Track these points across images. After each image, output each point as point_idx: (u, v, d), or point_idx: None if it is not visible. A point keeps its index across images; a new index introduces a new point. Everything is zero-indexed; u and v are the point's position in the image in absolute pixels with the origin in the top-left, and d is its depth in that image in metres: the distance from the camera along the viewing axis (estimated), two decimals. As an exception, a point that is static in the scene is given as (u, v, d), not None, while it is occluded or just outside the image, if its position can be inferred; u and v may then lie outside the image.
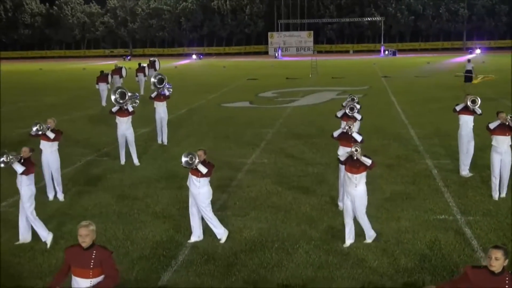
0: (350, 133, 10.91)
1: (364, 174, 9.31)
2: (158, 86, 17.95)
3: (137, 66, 34.85)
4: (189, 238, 10.04)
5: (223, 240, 9.83)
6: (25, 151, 10.11)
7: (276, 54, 78.97)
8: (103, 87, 28.69)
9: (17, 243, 10.04)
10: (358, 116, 12.93)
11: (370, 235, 9.64)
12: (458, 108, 13.49)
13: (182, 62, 71.86)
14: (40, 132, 12.20)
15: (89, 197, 12.75)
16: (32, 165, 10.08)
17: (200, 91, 33.78)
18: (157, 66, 36.50)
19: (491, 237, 9.68)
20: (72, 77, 49.77)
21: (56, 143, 12.50)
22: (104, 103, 28.11)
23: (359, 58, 71.83)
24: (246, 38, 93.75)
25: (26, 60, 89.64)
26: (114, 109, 15.45)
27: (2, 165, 9.79)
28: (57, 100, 31.95)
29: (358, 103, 13.94)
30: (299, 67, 54.93)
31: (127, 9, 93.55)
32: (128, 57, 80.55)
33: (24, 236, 10.12)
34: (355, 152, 9.09)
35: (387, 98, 29.09)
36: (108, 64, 51.19)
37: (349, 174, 9.32)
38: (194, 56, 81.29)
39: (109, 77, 29.37)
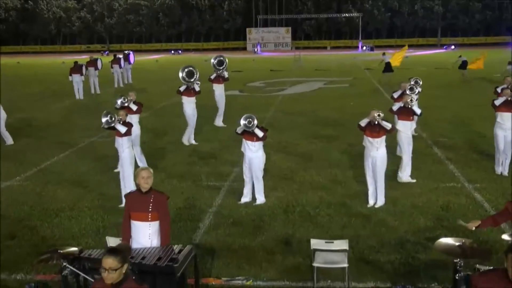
0: (411, 106, 11.30)
1: (384, 137, 9.81)
2: (218, 67, 17.74)
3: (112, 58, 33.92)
4: (210, 206, 10.37)
5: (258, 203, 10.37)
6: (122, 114, 10.53)
7: (255, 50, 79.18)
8: (77, 79, 27.12)
9: (121, 205, 10.10)
10: (415, 97, 13.15)
11: (382, 199, 10.10)
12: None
13: (162, 56, 71.61)
14: (126, 104, 12.65)
15: (101, 170, 13.01)
16: (131, 126, 10.52)
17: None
18: (131, 59, 35.35)
19: (501, 201, 10.14)
20: (53, 70, 49.30)
21: (137, 116, 12.99)
22: (78, 96, 26.85)
23: (337, 53, 72.53)
24: (225, 34, 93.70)
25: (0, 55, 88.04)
26: (182, 88, 15.59)
27: (106, 125, 10.22)
28: (45, 89, 31.82)
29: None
30: (281, 61, 55.25)
31: (104, 4, 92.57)
32: (106, 53, 79.75)
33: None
34: (377, 117, 9.56)
35: (373, 87, 29.69)
36: (85, 59, 50.91)
37: (370, 138, 9.81)
38: (172, 52, 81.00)
39: (84, 68, 28.11)
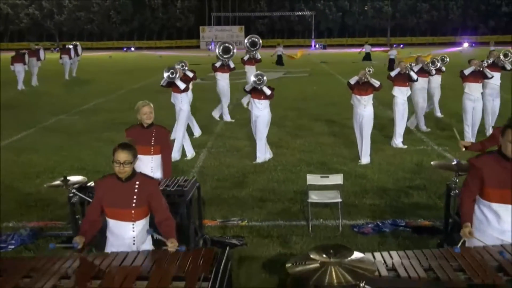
0: (407, 71, 11.64)
1: (371, 96, 10.23)
2: (252, 48, 17.55)
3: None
4: (192, 167, 10.50)
5: (256, 161, 10.71)
6: (180, 71, 11.05)
7: (210, 47, 79.16)
8: (19, 68, 25.08)
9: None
10: (433, 72, 13.65)
11: (366, 158, 10.51)
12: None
13: (115, 52, 70.71)
14: (185, 67, 12.87)
15: (75, 142, 13.00)
16: (189, 83, 11.24)
17: (146, 73, 33.63)
18: (79, 51, 33.69)
19: (470, 158, 10.68)
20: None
21: (191, 83, 13.10)
22: (20, 87, 25.07)
23: (291, 51, 73.36)
24: (178, 32, 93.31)
25: None
26: (218, 64, 15.64)
27: (167, 80, 10.89)
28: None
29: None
30: (236, 57, 55.43)
31: (53, 1, 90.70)
32: (56, 50, 78.15)
33: (175, 155, 10.55)
34: (367, 73, 9.97)
35: (333, 77, 30.29)
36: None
37: (357, 96, 10.25)
38: (124, 49, 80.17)
39: (26, 57, 26.01)
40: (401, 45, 79.60)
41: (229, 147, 12.21)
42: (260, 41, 17.95)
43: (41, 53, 28.57)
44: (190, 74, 13.16)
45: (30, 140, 13.51)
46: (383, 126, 13.80)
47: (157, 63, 45.51)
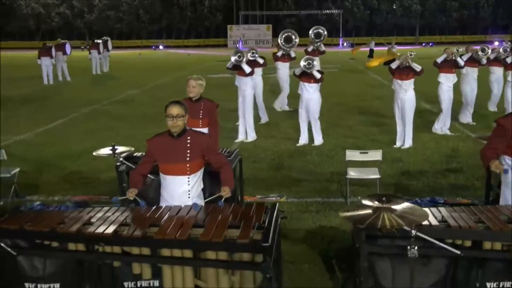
0: (454, 57, 11.64)
1: (412, 80, 10.28)
2: (316, 40, 17.70)
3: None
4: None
5: (316, 144, 10.89)
6: (246, 55, 11.64)
7: (237, 46, 79.48)
8: (46, 62, 24.70)
9: (236, 140, 11.36)
10: (484, 61, 13.43)
11: (409, 141, 10.57)
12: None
13: (144, 50, 71.53)
14: (255, 54, 13.37)
15: (112, 128, 13.22)
16: (254, 68, 11.79)
17: (177, 69, 33.98)
18: (109, 46, 33.32)
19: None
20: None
21: (261, 69, 13.96)
22: (46, 81, 24.70)
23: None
24: (206, 31, 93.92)
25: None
26: (279, 54, 15.77)
27: (234, 62, 11.31)
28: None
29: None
30: (265, 54, 55.60)
31: (83, 0, 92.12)
32: (87, 48, 79.27)
33: (242, 136, 11.53)
34: (409, 57, 10.02)
35: (362, 72, 30.25)
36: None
37: (398, 81, 10.31)
38: (153, 47, 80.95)
39: (53, 51, 25.33)
40: (430, 44, 79.01)
41: (263, 133, 12.32)
42: (325, 32, 17.83)
43: (67, 48, 28.17)
44: (261, 61, 13.57)
45: (66, 126, 13.84)
46: (419, 115, 13.71)
47: (186, 60, 46.05)
